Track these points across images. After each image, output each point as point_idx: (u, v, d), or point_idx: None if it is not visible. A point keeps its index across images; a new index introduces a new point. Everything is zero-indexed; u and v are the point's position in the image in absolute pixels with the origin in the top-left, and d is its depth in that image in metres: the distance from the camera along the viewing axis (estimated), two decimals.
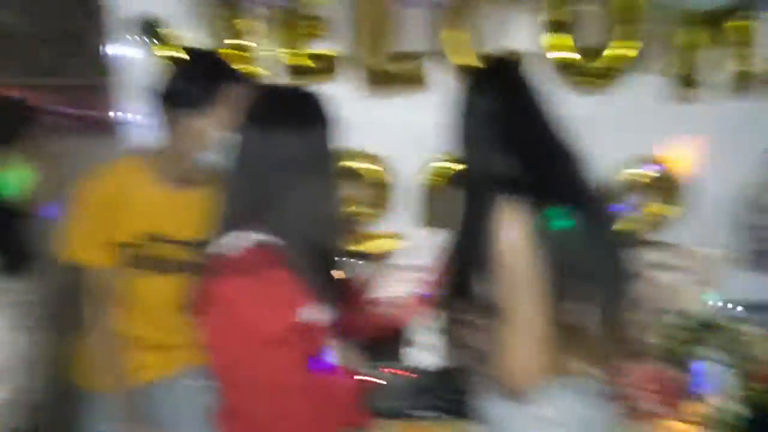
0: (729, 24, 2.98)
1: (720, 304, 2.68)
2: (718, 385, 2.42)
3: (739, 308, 2.69)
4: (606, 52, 3.00)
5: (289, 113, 1.91)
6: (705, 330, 2.50)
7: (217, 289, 1.84)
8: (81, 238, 2.33)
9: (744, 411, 2.39)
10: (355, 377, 2.00)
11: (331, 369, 1.96)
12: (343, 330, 1.98)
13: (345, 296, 2.03)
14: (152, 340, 2.38)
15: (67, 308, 2.29)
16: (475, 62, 2.92)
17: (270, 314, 1.83)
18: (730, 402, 2.39)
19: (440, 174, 3.08)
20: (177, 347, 2.31)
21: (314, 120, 1.91)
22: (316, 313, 1.88)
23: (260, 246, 1.83)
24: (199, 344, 1.88)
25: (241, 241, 1.84)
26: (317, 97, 1.94)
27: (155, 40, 2.99)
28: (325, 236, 1.93)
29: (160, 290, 2.30)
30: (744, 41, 2.98)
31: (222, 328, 1.84)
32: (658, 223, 3.07)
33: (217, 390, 1.91)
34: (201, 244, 1.93)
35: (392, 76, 3.03)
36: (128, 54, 3.00)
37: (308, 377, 1.89)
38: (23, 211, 2.36)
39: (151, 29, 2.97)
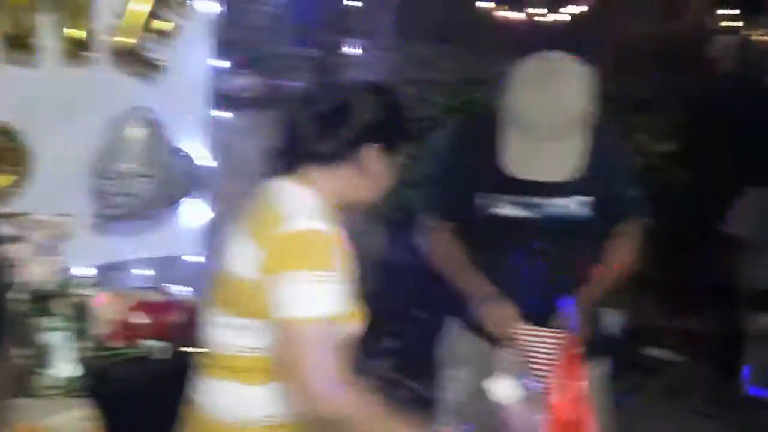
0: None
1: (71, 270, 2.66)
2: (65, 354, 2.40)
3: (91, 272, 2.74)
4: None
5: None
6: (49, 300, 2.40)
7: None
8: None
9: (86, 374, 2.40)
10: None
11: None
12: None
13: None
14: None
15: None
16: None
17: None
18: (74, 368, 2.39)
19: None
20: None
21: None
22: None
23: None
24: None
25: None
26: None
27: None
28: None
29: None
30: (79, 7, 2.78)
31: None
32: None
33: None
34: None
35: None
36: None
37: None
38: None
39: None
